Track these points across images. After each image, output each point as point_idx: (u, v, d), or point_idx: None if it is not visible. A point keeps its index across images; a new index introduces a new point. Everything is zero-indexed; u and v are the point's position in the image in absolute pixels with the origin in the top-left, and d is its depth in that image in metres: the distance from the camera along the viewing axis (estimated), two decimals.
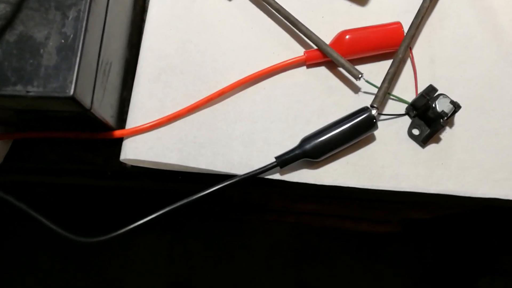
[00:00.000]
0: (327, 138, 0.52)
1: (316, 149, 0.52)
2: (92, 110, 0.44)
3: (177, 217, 1.41)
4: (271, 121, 0.55)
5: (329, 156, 0.53)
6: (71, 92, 0.41)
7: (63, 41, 0.42)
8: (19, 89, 0.41)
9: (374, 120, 0.52)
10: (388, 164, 0.54)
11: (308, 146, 0.52)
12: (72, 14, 0.43)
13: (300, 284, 1.43)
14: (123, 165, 0.54)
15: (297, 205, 1.14)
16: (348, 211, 1.17)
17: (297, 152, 0.52)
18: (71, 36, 0.42)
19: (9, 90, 0.41)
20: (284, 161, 0.52)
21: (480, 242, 1.43)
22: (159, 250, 1.44)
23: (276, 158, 0.52)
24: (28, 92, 0.41)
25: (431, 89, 0.53)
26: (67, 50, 0.42)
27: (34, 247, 1.45)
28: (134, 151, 0.51)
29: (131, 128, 0.51)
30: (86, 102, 0.43)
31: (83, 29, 0.43)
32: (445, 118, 0.52)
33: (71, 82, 0.41)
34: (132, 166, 0.53)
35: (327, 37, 0.56)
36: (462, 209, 0.96)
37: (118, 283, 1.42)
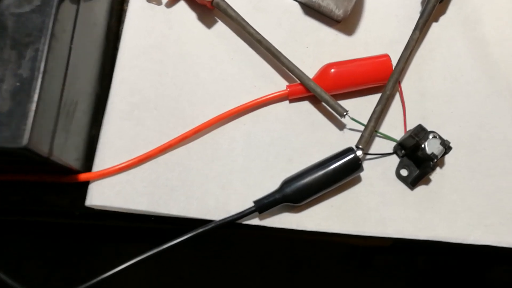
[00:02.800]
0: (309, 181, 0.48)
1: (298, 193, 0.48)
2: (51, 158, 0.40)
3: (163, 230, 1.37)
4: (250, 159, 0.52)
5: (312, 200, 0.50)
6: (25, 142, 0.37)
7: (18, 84, 0.38)
8: None
9: (360, 162, 0.48)
10: (374, 207, 0.51)
11: (288, 190, 0.48)
12: (29, 53, 0.39)
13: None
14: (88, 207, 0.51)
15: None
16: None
17: (277, 196, 0.48)
18: (27, 78, 0.38)
19: None
20: (263, 206, 0.48)
21: (473, 253, 1.41)
22: (147, 262, 1.39)
23: (254, 202, 0.48)
24: None
25: (420, 130, 0.50)
26: (23, 95, 0.38)
27: (20, 256, 1.39)
28: (100, 196, 0.47)
29: (98, 171, 0.48)
30: (44, 150, 0.39)
31: (41, 70, 0.39)
32: (435, 160, 0.49)
33: (24, 131, 0.37)
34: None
35: (311, 69, 0.53)
36: None
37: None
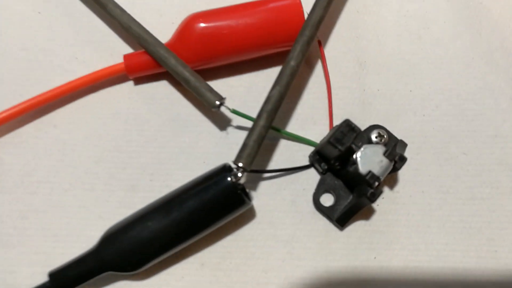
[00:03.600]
0: (150, 232, 0.27)
1: (128, 256, 0.27)
2: None
3: None
4: (60, 190, 0.29)
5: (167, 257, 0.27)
6: None
7: None
8: None
9: (239, 193, 0.26)
10: (277, 264, 0.29)
11: (111, 251, 0.26)
12: None
13: None
14: None
15: None
16: None
17: (90, 262, 0.27)
18: None
19: None
20: (68, 282, 0.27)
21: None
22: None
23: (50, 276, 0.27)
24: None
25: (348, 129, 0.27)
26: None
27: None
28: None
29: None
30: None
31: None
32: (376, 183, 0.26)
33: None
34: None
35: (168, 31, 0.30)
36: None
37: None
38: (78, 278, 0.27)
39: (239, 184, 0.27)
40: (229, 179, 0.27)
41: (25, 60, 0.33)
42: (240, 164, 0.27)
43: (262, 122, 0.28)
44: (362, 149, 0.27)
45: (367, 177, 0.27)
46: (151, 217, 0.27)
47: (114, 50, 0.33)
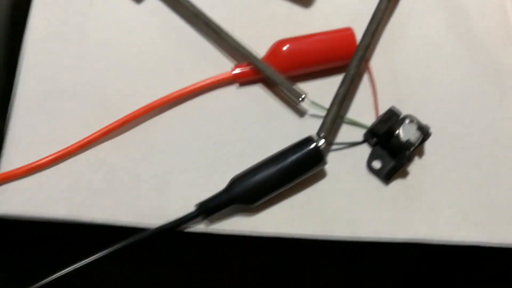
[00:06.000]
0: (262, 178, 0.40)
1: (249, 193, 0.40)
2: None
3: None
4: (193, 155, 0.43)
5: (268, 199, 0.41)
6: None
7: None
8: None
9: (321, 153, 0.40)
10: (343, 206, 0.43)
11: (238, 190, 0.40)
12: None
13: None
14: None
15: None
16: None
17: (224, 197, 0.40)
18: None
19: None
20: (209, 209, 0.40)
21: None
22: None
23: (198, 205, 0.40)
24: None
25: (392, 113, 0.42)
26: None
27: None
28: (5, 204, 0.38)
29: (3, 173, 0.38)
30: None
31: None
32: (412, 149, 0.40)
33: None
34: None
35: (263, 48, 0.45)
36: None
37: None
38: (215, 208, 0.40)
39: (320, 149, 0.41)
40: (314, 144, 0.41)
41: (160, 69, 0.46)
42: (322, 135, 0.41)
43: (334, 108, 0.42)
44: (402, 125, 0.42)
45: (407, 143, 0.41)
46: (263, 168, 0.41)
47: (223, 65, 0.47)
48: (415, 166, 0.45)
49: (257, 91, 0.46)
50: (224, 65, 0.46)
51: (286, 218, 0.42)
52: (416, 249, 0.78)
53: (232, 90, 0.46)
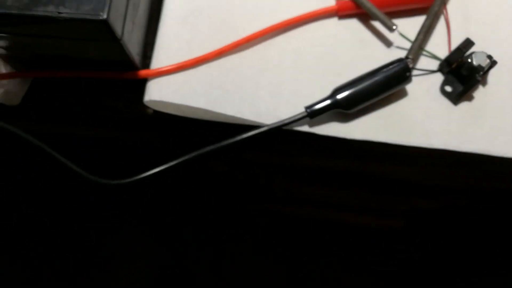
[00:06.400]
0: (360, 88, 0.50)
1: (349, 100, 0.50)
2: (122, 41, 0.42)
3: (172, 204, 1.39)
4: (300, 71, 0.53)
5: (360, 110, 0.51)
6: (105, 16, 0.38)
7: None
8: (50, 10, 0.38)
9: (409, 72, 0.50)
10: (419, 120, 0.52)
11: (340, 96, 0.50)
12: None
13: (292, 278, 1.41)
14: (143, 111, 0.52)
15: (303, 189, 1.12)
16: (354, 199, 1.15)
17: (328, 102, 0.50)
18: None
19: (40, 11, 0.38)
20: (315, 112, 0.50)
21: (487, 241, 1.40)
22: (151, 236, 1.41)
23: (306, 108, 0.50)
24: (59, 13, 0.38)
25: (468, 43, 0.51)
26: None
27: (19, 230, 1.41)
28: (159, 92, 0.49)
29: (156, 69, 0.49)
30: (118, 29, 0.41)
31: None
32: (481, 72, 0.50)
33: (105, 5, 0.38)
34: (153, 113, 0.51)
35: None
36: (474, 197, 0.94)
37: (107, 267, 1.39)
38: (320, 110, 0.50)
39: (409, 68, 0.51)
40: (404, 63, 0.51)
41: (275, 0, 0.57)
42: (410, 57, 0.51)
43: (420, 36, 0.52)
44: (474, 53, 0.51)
45: (478, 67, 0.51)
46: (361, 80, 0.51)
47: (326, 1, 0.57)
48: (480, 92, 0.54)
49: (353, 24, 0.56)
50: (328, 1, 0.56)
51: (373, 127, 0.52)
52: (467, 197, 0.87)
53: (332, 21, 0.56)
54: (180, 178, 0.49)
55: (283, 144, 0.56)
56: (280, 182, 1.05)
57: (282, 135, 0.52)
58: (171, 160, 0.49)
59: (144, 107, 0.51)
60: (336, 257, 1.41)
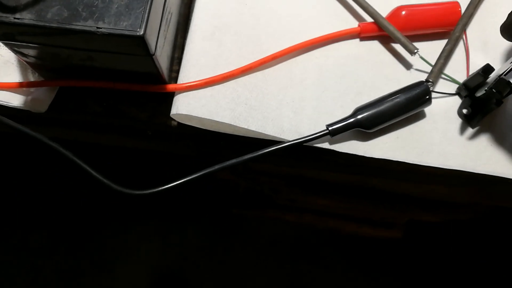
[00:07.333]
0: (381, 109, 0.51)
1: (370, 120, 0.51)
2: (154, 56, 0.43)
3: (175, 207, 1.40)
4: (322, 90, 0.54)
5: (380, 129, 0.52)
6: (142, 32, 0.39)
7: None
8: (89, 25, 0.39)
9: (430, 94, 0.51)
10: (437, 142, 0.54)
11: (362, 116, 0.51)
12: None
13: (294, 285, 1.41)
14: (167, 123, 0.53)
15: (307, 199, 1.13)
16: (355, 211, 1.16)
17: (350, 121, 0.51)
18: None
19: (79, 25, 0.39)
20: (336, 130, 0.51)
21: (485, 253, 1.41)
22: (153, 239, 1.42)
23: (327, 125, 0.51)
24: (98, 28, 0.39)
25: (488, 68, 0.52)
26: None
27: (25, 228, 1.42)
28: (187, 106, 0.50)
29: (184, 83, 0.50)
30: (152, 45, 0.42)
31: None
32: (500, 99, 0.51)
33: (142, 22, 0.40)
34: (177, 126, 0.52)
35: (381, 12, 0.56)
36: (476, 213, 0.95)
37: (107, 267, 1.40)
38: (342, 128, 0.51)
39: (430, 91, 0.52)
40: (425, 86, 0.52)
41: (300, 20, 0.57)
42: (430, 80, 0.53)
43: (441, 61, 0.54)
44: (493, 80, 0.53)
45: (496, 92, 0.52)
46: (382, 101, 0.52)
47: (349, 21, 0.58)
48: (496, 116, 0.56)
49: (374, 45, 0.57)
50: (350, 23, 0.57)
51: (392, 146, 0.54)
52: (471, 212, 0.88)
53: (354, 42, 0.57)
54: (185, 184, 0.50)
55: (296, 158, 0.57)
56: (285, 191, 1.06)
57: (300, 151, 0.53)
58: (193, 171, 0.50)
59: (168, 118, 0.53)
60: (336, 264, 1.42)
